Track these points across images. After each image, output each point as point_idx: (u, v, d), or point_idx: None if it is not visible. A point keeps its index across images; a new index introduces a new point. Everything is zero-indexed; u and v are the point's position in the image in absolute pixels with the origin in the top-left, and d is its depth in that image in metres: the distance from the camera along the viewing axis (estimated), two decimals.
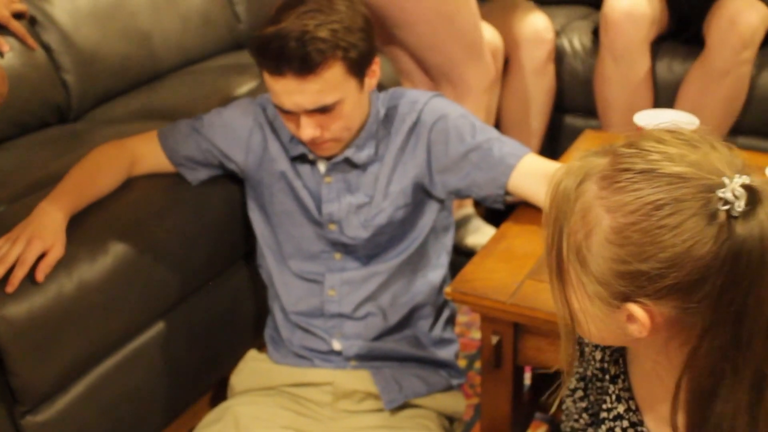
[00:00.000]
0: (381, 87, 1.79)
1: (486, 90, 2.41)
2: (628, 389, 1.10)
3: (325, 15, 1.57)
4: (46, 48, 2.24)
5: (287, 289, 1.80)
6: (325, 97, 1.60)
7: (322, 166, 1.75)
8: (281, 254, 1.80)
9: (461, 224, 2.59)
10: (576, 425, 1.26)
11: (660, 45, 2.63)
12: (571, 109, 2.76)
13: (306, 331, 1.78)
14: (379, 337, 1.77)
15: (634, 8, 2.49)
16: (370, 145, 1.72)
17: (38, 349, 1.54)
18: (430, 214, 1.77)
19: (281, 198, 1.78)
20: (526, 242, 1.61)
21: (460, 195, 1.75)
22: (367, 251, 1.76)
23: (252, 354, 1.86)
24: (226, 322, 1.99)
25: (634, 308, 0.90)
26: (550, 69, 2.66)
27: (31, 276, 1.53)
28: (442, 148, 1.70)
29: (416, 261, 1.78)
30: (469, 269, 1.56)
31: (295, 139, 1.74)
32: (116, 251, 1.68)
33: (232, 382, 1.82)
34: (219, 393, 1.96)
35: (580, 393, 1.20)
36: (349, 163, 1.73)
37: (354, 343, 1.76)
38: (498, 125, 2.68)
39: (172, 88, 2.44)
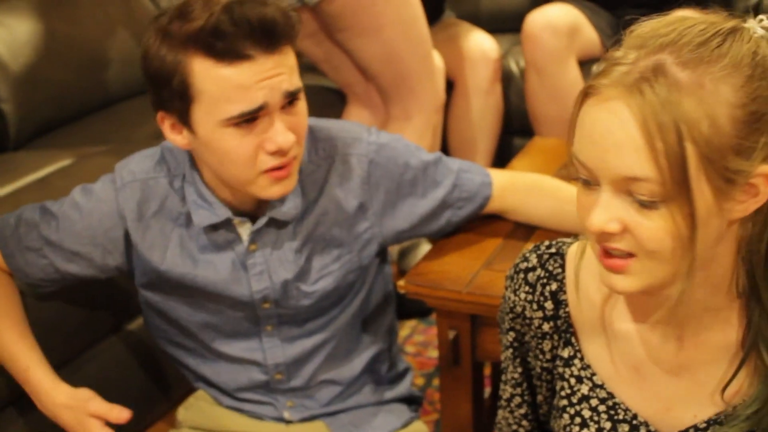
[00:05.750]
0: None
1: (437, 109, 2.40)
2: (587, 367, 1.06)
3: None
4: None
5: (217, 372, 1.56)
6: (298, 78, 1.29)
7: (243, 233, 1.45)
8: (197, 341, 1.55)
9: (410, 249, 2.55)
10: None
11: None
12: (519, 130, 2.75)
13: (251, 402, 1.60)
14: (336, 399, 1.59)
15: (553, 20, 2.52)
16: (295, 193, 1.42)
17: None
18: (374, 258, 1.55)
19: (194, 306, 1.50)
20: (479, 235, 1.57)
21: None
22: (307, 315, 1.52)
23: (201, 393, 1.66)
24: None
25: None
26: (497, 88, 2.67)
27: None
28: (413, 201, 1.50)
29: (365, 308, 1.57)
30: (423, 263, 1.53)
31: (196, 206, 1.41)
32: None
33: (180, 417, 1.66)
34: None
35: (517, 400, 1.16)
36: (276, 224, 1.44)
37: (310, 412, 1.58)
38: (446, 147, 2.66)
39: (120, 116, 2.39)
